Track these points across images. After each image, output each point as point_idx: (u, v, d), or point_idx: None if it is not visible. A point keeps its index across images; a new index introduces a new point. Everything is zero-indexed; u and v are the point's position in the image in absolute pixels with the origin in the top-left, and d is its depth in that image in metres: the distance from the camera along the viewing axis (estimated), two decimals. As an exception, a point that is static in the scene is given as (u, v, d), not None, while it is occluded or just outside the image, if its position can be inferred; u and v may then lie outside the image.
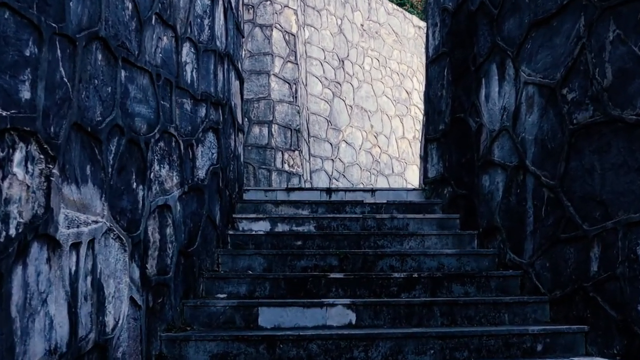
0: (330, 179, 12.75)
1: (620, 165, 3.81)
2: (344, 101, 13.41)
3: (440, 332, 3.95)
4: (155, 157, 3.65)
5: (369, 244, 5.37)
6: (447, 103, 6.30)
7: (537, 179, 4.62)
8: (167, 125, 3.81)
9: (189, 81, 4.24)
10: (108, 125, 2.96)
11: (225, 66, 5.24)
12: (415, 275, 4.70)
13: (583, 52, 4.16)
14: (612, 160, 3.88)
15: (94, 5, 2.78)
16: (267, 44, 10.82)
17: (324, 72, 12.91)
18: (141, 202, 3.41)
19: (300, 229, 5.68)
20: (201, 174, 4.54)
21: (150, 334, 3.60)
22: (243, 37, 6.38)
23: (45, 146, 2.30)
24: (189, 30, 4.24)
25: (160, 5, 3.68)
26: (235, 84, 5.89)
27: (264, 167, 10.58)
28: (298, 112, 10.91)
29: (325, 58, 12.98)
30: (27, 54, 2.19)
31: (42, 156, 2.29)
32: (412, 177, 15.04)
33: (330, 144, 12.94)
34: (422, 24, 16.32)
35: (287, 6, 11.03)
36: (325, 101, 12.90)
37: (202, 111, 4.54)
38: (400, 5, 17.10)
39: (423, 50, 16.01)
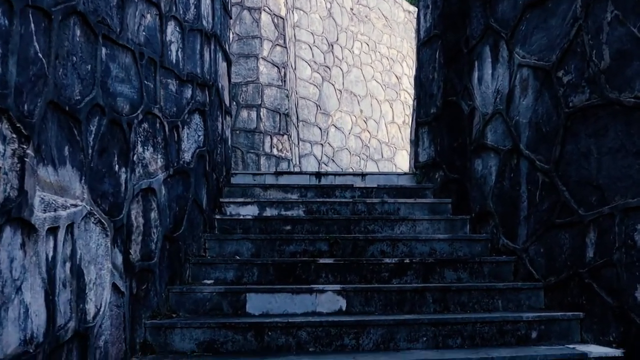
0: (319, 164, 12.63)
1: (618, 149, 3.71)
2: (334, 85, 13.26)
3: (433, 318, 3.86)
4: (139, 139, 3.51)
5: (360, 228, 5.27)
6: (439, 86, 6.19)
7: (532, 163, 4.53)
8: (151, 106, 3.67)
9: (174, 61, 4.10)
10: (88, 105, 2.82)
11: (212, 47, 5.09)
12: (407, 260, 4.61)
13: (579, 34, 4.05)
14: (609, 144, 3.78)
15: (72, -24, 2.64)
16: (256, 27, 10.64)
17: (313, 56, 12.75)
18: (124, 185, 3.28)
19: (289, 213, 5.57)
20: (187, 156, 4.40)
21: (134, 322, 3.48)
22: (230, 18, 6.22)
23: (18, 125, 2.17)
24: (173, 8, 4.09)
25: (143, -20, 3.54)
26: (223, 66, 5.74)
27: (252, 151, 10.43)
28: (287, 96, 10.76)
29: (314, 42, 12.82)
30: (-3, 25, 2.05)
31: (14, 135, 2.16)
32: (402, 162, 14.95)
33: (320, 128, 12.81)
34: (412, 8, 16.18)
35: (276, -12, 10.85)
36: (315, 85, 12.75)
37: (188, 92, 4.40)
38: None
39: (413, 34, 15.90)
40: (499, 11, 5.06)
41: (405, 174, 6.88)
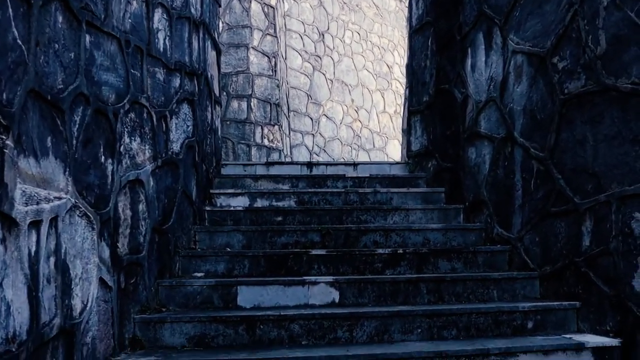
0: (310, 154, 12.55)
1: (614, 136, 3.65)
2: (324, 75, 13.16)
3: (428, 310, 3.80)
4: (126, 129, 3.42)
5: (352, 219, 5.20)
6: (432, 74, 6.11)
7: (526, 151, 4.47)
8: (137, 95, 3.58)
9: (161, 49, 4.00)
10: (71, 94, 2.72)
11: (201, 35, 4.99)
12: (400, 251, 4.54)
13: (575, 19, 3.98)
14: (605, 131, 3.72)
15: (52, -40, 2.53)
16: (246, 16, 10.52)
17: (303, 46, 12.63)
18: (110, 176, 3.19)
19: (280, 204, 5.49)
20: (176, 147, 4.31)
21: (122, 317, 3.40)
22: (220, 6, 6.11)
23: (-4, 114, 2.08)
24: (160, -6, 3.99)
25: (128, -35, 3.43)
26: (212, 54, 5.63)
27: (243, 142, 10.33)
28: (278, 86, 10.66)
29: (305, 31, 12.70)
30: (-29, 10, 1.96)
31: (-8, 125, 2.07)
32: (394, 152, 14.88)
33: (311, 118, 12.72)
34: (403, -4, 16.08)
35: (266, -24, 10.72)
36: (305, 75, 12.64)
37: (176, 81, 4.30)
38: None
39: (404, 23, 15.80)
40: (492, -3, 4.98)
41: (397, 163, 6.81)
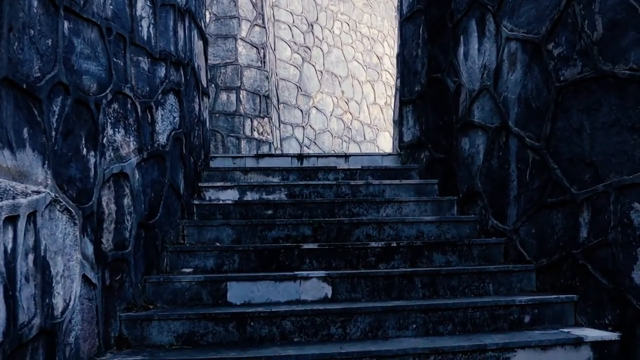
0: (301, 147, 12.42)
1: (612, 124, 3.56)
2: (314, 66, 13.03)
3: (423, 305, 3.70)
4: (108, 120, 3.28)
5: (344, 212, 5.09)
6: (423, 63, 6.00)
7: (521, 140, 4.37)
8: (121, 85, 3.44)
9: (145, 38, 3.86)
10: (49, 83, 2.59)
11: (187, 23, 4.85)
12: (394, 244, 4.44)
13: (570, 4, 3.88)
14: (602, 119, 3.63)
15: (27, -59, 2.40)
16: (233, 6, 10.36)
17: (292, 37, 12.49)
18: (93, 169, 3.06)
19: (270, 197, 5.37)
20: (162, 139, 4.18)
21: (108, 315, 3.28)
22: (206, -6, 5.97)
23: (-34, 103, 1.95)
24: (144, -19, 3.85)
25: (109, -51, 3.29)
26: (199, 44, 5.49)
27: (232, 134, 10.20)
28: (267, 78, 10.52)
29: (293, 22, 12.55)
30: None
31: (-38, 115, 1.94)
32: (384, 144, 14.78)
33: (301, 110, 12.59)
34: (393, -14, 15.94)
35: (253, -34, 10.56)
36: (295, 66, 12.50)
37: (162, 71, 4.17)
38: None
39: (394, 14, 15.68)
40: (485, -17, 4.87)
41: (389, 154, 6.70)
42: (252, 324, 3.52)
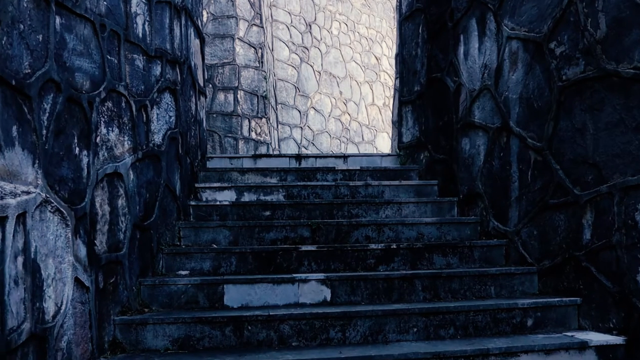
0: (299, 148, 12.34)
1: (616, 124, 3.49)
2: (312, 67, 12.95)
3: (424, 308, 3.62)
4: (102, 119, 3.20)
5: (343, 213, 5.01)
6: (423, 62, 5.93)
7: (523, 141, 4.30)
8: (115, 83, 3.36)
9: (140, 35, 3.78)
10: (39, 79, 2.52)
11: (183, 21, 4.77)
12: (394, 246, 4.36)
13: (573, 2, 3.82)
14: (606, 119, 3.56)
15: None
16: (231, 6, 10.28)
17: (290, 37, 12.41)
18: (85, 169, 2.98)
19: (268, 198, 5.29)
20: (157, 138, 4.10)
21: (101, 319, 3.19)
22: (203, -8, 5.89)
23: (-49, 99, 1.87)
24: (139, -23, 3.77)
25: (103, -56, 3.21)
26: (195, 43, 5.41)
27: (230, 135, 10.11)
28: (265, 78, 10.44)
29: (291, 22, 12.48)
30: None
31: (-54, 112, 1.86)
32: (383, 145, 14.71)
33: (299, 111, 12.51)
34: (391, -13, 15.88)
35: (251, -34, 10.48)
36: (293, 67, 12.42)
37: (157, 69, 4.09)
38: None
39: (392, 14, 15.61)
40: (486, -18, 4.80)
41: (388, 155, 6.62)
42: (249, 328, 3.44)
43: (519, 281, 4.13)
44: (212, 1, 10.16)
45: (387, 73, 15.26)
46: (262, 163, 6.21)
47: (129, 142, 3.58)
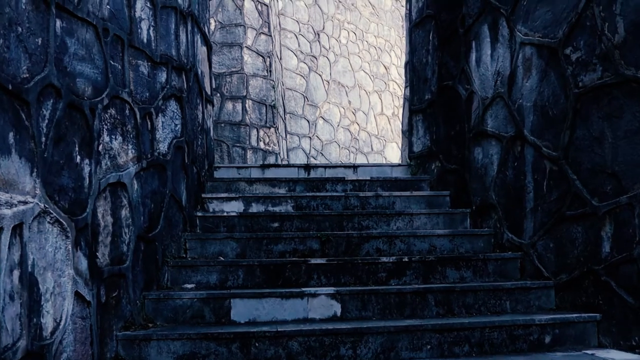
0: (307, 158, 12.23)
1: (636, 131, 3.37)
2: (321, 76, 12.86)
3: (438, 324, 3.48)
4: (105, 127, 3.10)
5: (353, 224, 4.89)
6: (434, 70, 5.81)
7: (537, 150, 4.17)
8: (118, 89, 3.26)
9: (145, 40, 3.68)
10: (38, 84, 2.41)
11: (189, 27, 4.67)
12: (406, 259, 4.23)
13: (589, 6, 3.70)
14: (625, 127, 3.44)
15: None
16: (239, 14, 10.21)
17: (299, 46, 12.34)
18: (87, 179, 2.87)
19: (276, 209, 5.18)
20: (163, 147, 3.99)
21: (103, 334, 3.08)
22: (210, -1, 5.80)
23: (-60, 104, 1.77)
24: (144, -18, 3.67)
25: (107, -53, 3.12)
26: (202, 50, 5.32)
27: (238, 145, 10.02)
28: (273, 87, 10.35)
29: (300, 31, 12.40)
30: None
31: None
32: (392, 155, 14.59)
33: (307, 120, 12.41)
34: (400, -4, 15.81)
35: (259, -25, 10.43)
36: (301, 76, 12.34)
37: (162, 76, 3.99)
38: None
39: (401, 23, 15.52)
40: (498, -13, 4.70)
41: (399, 165, 6.50)
42: (256, 344, 3.31)
43: (535, 296, 3.99)
44: (220, 9, 10.10)
45: (396, 82, 15.16)
46: (270, 173, 6.10)
47: (133, 151, 3.47)
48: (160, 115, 3.94)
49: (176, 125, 4.24)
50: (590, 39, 3.69)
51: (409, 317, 3.78)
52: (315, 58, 12.72)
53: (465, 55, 5.20)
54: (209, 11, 5.68)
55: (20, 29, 2.28)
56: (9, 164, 2.18)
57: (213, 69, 9.55)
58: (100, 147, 3.04)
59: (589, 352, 3.46)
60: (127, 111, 3.38)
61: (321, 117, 12.77)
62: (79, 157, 2.79)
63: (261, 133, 10.18)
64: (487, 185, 4.82)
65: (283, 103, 11.44)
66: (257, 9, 10.32)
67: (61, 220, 2.59)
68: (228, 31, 10.11)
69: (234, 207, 5.17)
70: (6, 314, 2.14)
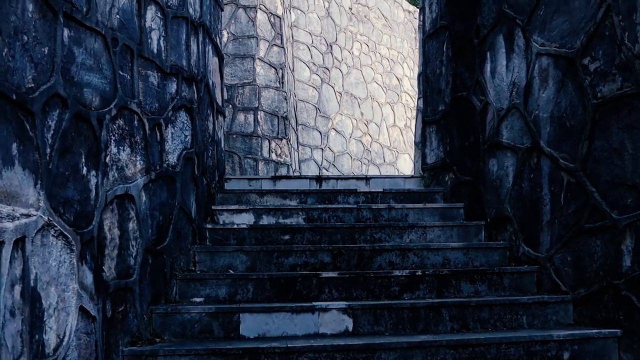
0: (320, 169, 12.16)
1: (657, 143, 3.27)
2: (333, 88, 12.82)
3: (452, 340, 3.38)
4: (112, 138, 3.05)
5: (365, 237, 4.81)
6: (448, 81, 5.74)
7: (554, 162, 4.08)
8: (127, 100, 3.21)
9: (155, 50, 3.64)
10: (44, 94, 2.36)
11: (200, 38, 4.63)
12: (419, 272, 4.14)
13: (608, 15, 3.61)
14: (646, 138, 3.34)
15: (19, -61, 2.18)
16: (252, 26, 10.20)
17: (311, 57, 12.30)
18: (93, 191, 2.82)
19: (287, 221, 5.11)
20: (172, 159, 3.94)
21: (109, 350, 3.01)
22: (222, 9, 5.76)
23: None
24: (154, -8, 3.63)
25: (116, -44, 3.08)
26: (214, 61, 5.27)
27: (250, 156, 9.97)
28: (285, 99, 10.31)
29: (312, 42, 12.38)
30: None
31: None
32: (404, 167, 14.49)
33: (320, 132, 12.35)
34: (412, 8, 15.78)
35: (272, -14, 10.41)
36: (314, 87, 12.30)
37: (172, 87, 3.94)
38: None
39: (413, 35, 15.47)
40: (513, -4, 4.62)
41: (412, 177, 6.41)
42: (266, 360, 3.23)
43: (553, 310, 3.89)
44: (233, 21, 10.10)
45: (408, 94, 15.09)
46: (281, 185, 6.04)
47: (142, 162, 3.42)
48: (169, 126, 3.89)
49: (186, 136, 4.19)
50: (610, 49, 3.61)
51: (422, 332, 3.69)
52: (328, 70, 12.68)
53: (479, 66, 5.12)
54: (221, 22, 5.65)
55: (26, 38, 2.23)
56: (11, 176, 2.13)
57: (225, 81, 9.54)
58: (108, 158, 2.99)
59: (610, 370, 3.35)
60: (135, 122, 3.33)
61: (333, 128, 12.72)
62: (85, 169, 2.73)
63: (273, 144, 10.13)
64: (502, 198, 4.73)
65: (295, 114, 11.39)
66: (269, 20, 10.30)
67: (66, 233, 2.54)
68: (240, 43, 10.09)
69: (244, 219, 5.11)
70: (6, 330, 2.08)
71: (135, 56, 3.32)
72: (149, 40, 3.55)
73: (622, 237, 3.50)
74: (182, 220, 4.16)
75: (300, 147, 11.72)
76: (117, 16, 3.10)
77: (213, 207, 5.11)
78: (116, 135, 3.09)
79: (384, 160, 14.16)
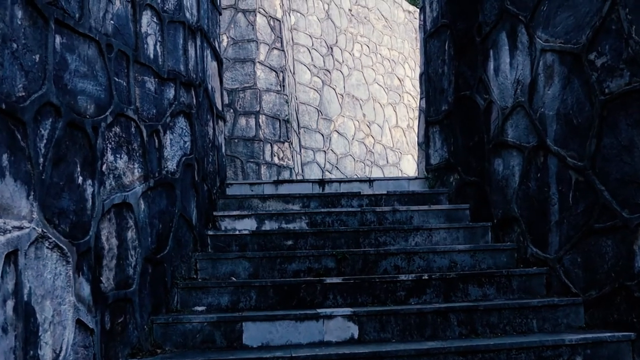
0: (322, 172, 12.09)
1: (668, 139, 3.18)
2: (334, 90, 12.74)
3: (461, 346, 3.30)
4: (109, 146, 2.97)
5: (370, 241, 4.72)
6: (450, 80, 5.66)
7: (562, 160, 3.99)
8: (123, 107, 3.14)
9: (151, 56, 3.56)
10: (35, 103, 2.29)
11: (198, 42, 4.55)
12: (425, 276, 4.06)
13: (614, 8, 3.54)
14: (656, 134, 3.26)
15: (6, -58, 2.11)
16: (251, 30, 10.13)
17: (312, 60, 12.23)
18: (90, 200, 2.74)
19: (290, 226, 5.03)
20: (171, 165, 3.86)
21: (109, 362, 2.93)
22: (220, 13, 5.69)
23: None
24: (150, -5, 3.56)
25: (109, -41, 3.01)
26: (212, 65, 5.20)
27: (252, 160, 9.90)
28: (286, 102, 10.24)
29: (313, 45, 12.31)
30: None
31: None
32: (408, 168, 14.40)
33: (322, 134, 12.28)
34: (412, 8, 15.70)
35: (271, -11, 10.35)
36: (315, 90, 12.22)
37: (170, 92, 3.86)
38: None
39: (414, 35, 15.39)
40: (515, -8, 4.54)
41: (416, 178, 6.32)
42: (269, 370, 3.15)
43: (564, 313, 3.80)
44: (233, 25, 10.03)
45: (410, 95, 15.01)
46: (284, 189, 5.96)
47: (140, 170, 3.34)
48: (168, 132, 3.82)
49: (185, 142, 4.11)
50: (617, 43, 3.53)
51: (430, 338, 3.60)
52: (329, 72, 12.60)
53: (482, 64, 5.04)
54: (219, 26, 5.57)
55: (15, 45, 2.16)
56: (2, 188, 2.05)
57: (226, 85, 9.47)
58: (104, 166, 2.91)
59: (624, 374, 3.26)
60: (132, 129, 3.25)
61: (335, 130, 12.64)
62: (80, 178, 2.66)
63: (275, 148, 10.06)
64: (508, 198, 4.64)
65: (297, 117, 11.32)
66: (269, 24, 10.23)
67: (61, 245, 2.46)
68: (240, 47, 10.03)
69: (246, 225, 5.03)
70: None
71: (131, 62, 3.24)
72: (145, 46, 3.47)
73: (633, 236, 3.41)
74: (183, 227, 4.09)
75: (302, 150, 11.65)
76: (112, 22, 3.03)
77: (214, 213, 5.03)
78: (113, 142, 3.01)
79: (387, 162, 14.07)
